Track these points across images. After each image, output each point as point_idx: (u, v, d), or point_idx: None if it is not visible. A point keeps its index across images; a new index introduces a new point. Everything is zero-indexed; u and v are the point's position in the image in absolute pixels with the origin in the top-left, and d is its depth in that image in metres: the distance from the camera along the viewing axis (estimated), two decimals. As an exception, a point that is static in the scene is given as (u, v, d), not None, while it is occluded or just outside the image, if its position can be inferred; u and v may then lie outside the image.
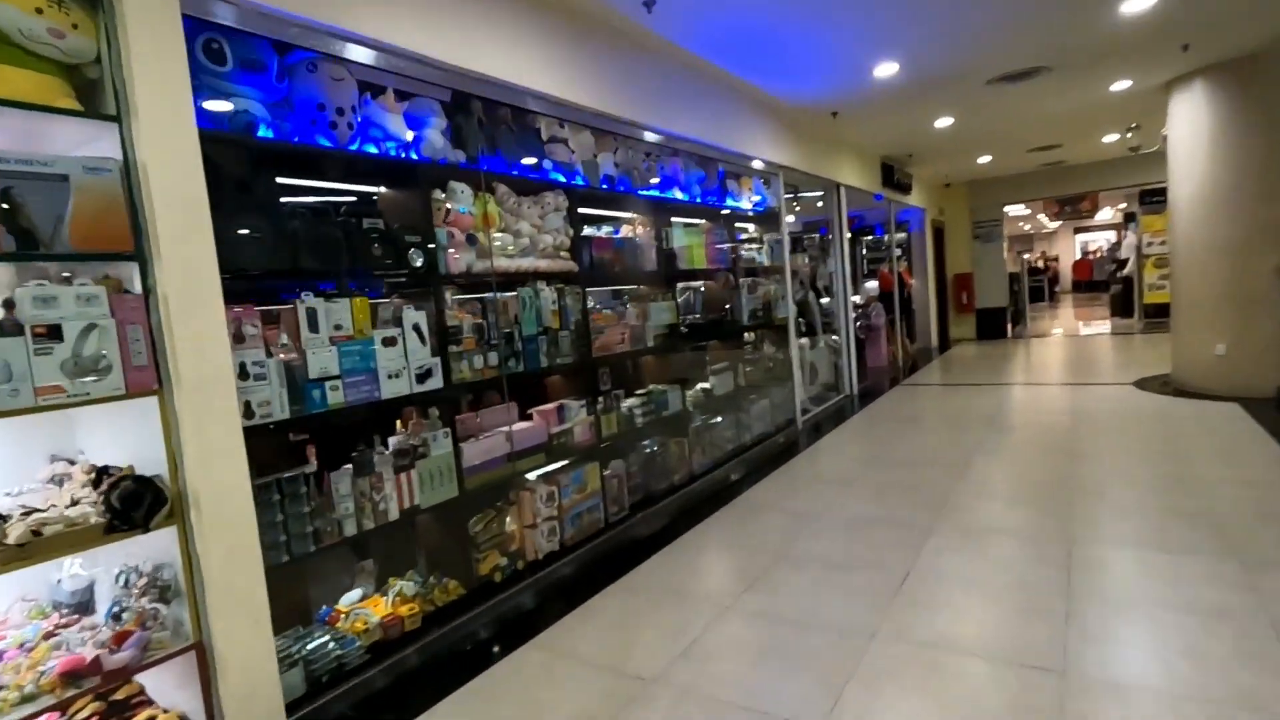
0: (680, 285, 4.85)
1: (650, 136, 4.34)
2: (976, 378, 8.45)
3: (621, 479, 3.97)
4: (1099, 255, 24.18)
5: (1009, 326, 12.61)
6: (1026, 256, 13.65)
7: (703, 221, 5.22)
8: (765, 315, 5.79)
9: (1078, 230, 26.03)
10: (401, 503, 2.71)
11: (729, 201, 5.31)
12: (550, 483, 3.46)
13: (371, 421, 2.76)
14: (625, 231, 4.37)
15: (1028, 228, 26.63)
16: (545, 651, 2.69)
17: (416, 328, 2.74)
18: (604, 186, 3.92)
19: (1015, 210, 19.20)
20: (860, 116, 6.71)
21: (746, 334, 5.84)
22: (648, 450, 4.25)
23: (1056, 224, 24.29)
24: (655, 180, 4.41)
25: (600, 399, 3.86)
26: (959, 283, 12.67)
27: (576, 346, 3.62)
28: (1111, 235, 25.17)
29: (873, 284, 10.64)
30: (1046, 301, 20.52)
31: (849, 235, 12.89)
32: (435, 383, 2.81)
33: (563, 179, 3.64)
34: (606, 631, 2.81)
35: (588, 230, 3.93)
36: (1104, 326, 13.09)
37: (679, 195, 4.62)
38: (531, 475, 3.44)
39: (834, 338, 8.06)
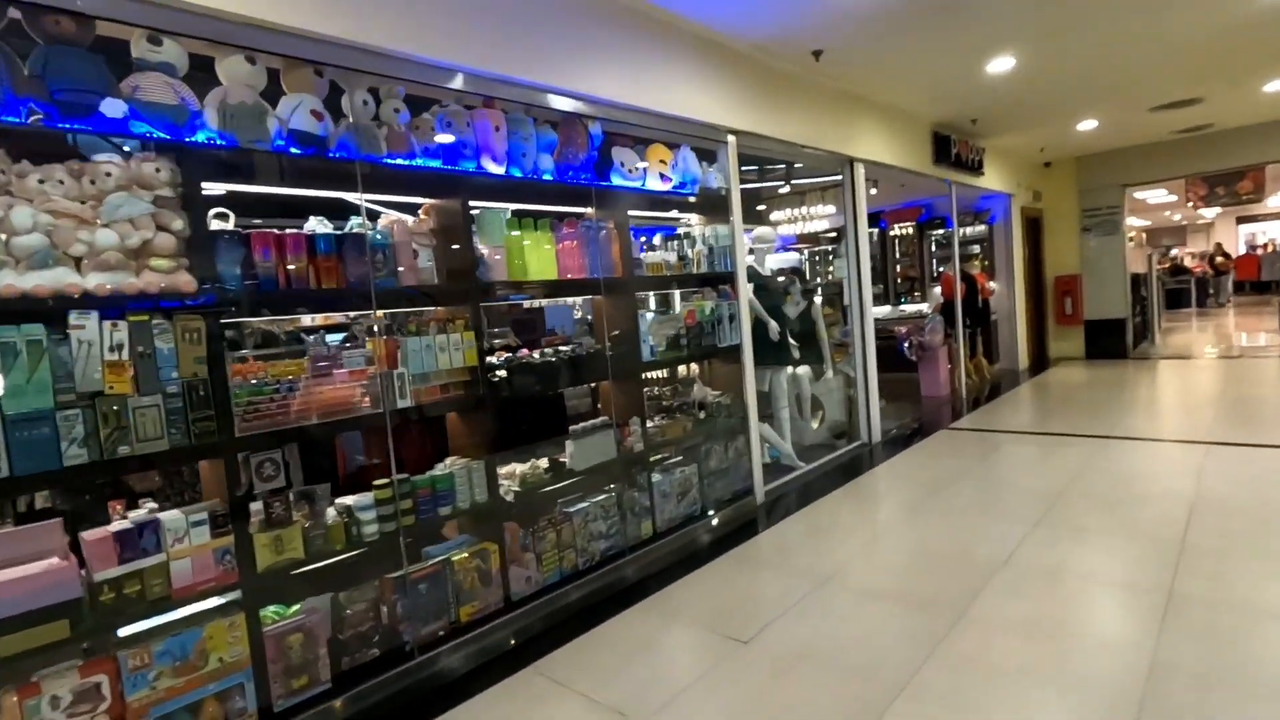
0: (517, 304, 3.21)
1: (457, 84, 2.75)
2: (1065, 421, 6.14)
3: (315, 633, 2.41)
4: (1271, 249, 19.77)
5: (1130, 342, 9.83)
6: (1152, 253, 10.73)
7: (565, 209, 3.54)
8: (695, 344, 4.01)
9: (1241, 220, 21.51)
10: None
11: (616, 180, 3.59)
12: (93, 669, 1.96)
13: None
14: (389, 223, 2.78)
15: (1177, 217, 22.30)
16: None
17: None
18: (282, 146, 2.37)
19: (1156, 196, 15.74)
20: (859, 56, 4.73)
21: (654, 371, 4.09)
22: (398, 576, 2.66)
23: (1213, 212, 20.07)
24: (442, 140, 2.81)
25: (268, 501, 2.32)
26: (1061, 287, 10.03)
27: (195, 420, 2.11)
28: (1288, 225, 20.58)
29: (940, 290, 8.41)
30: (1194, 307, 16.78)
31: (909, 228, 10.54)
32: None
33: (165, 134, 2.13)
34: None
35: (224, 224, 2.42)
36: (1273, 335, 9.97)
37: (493, 168, 2.98)
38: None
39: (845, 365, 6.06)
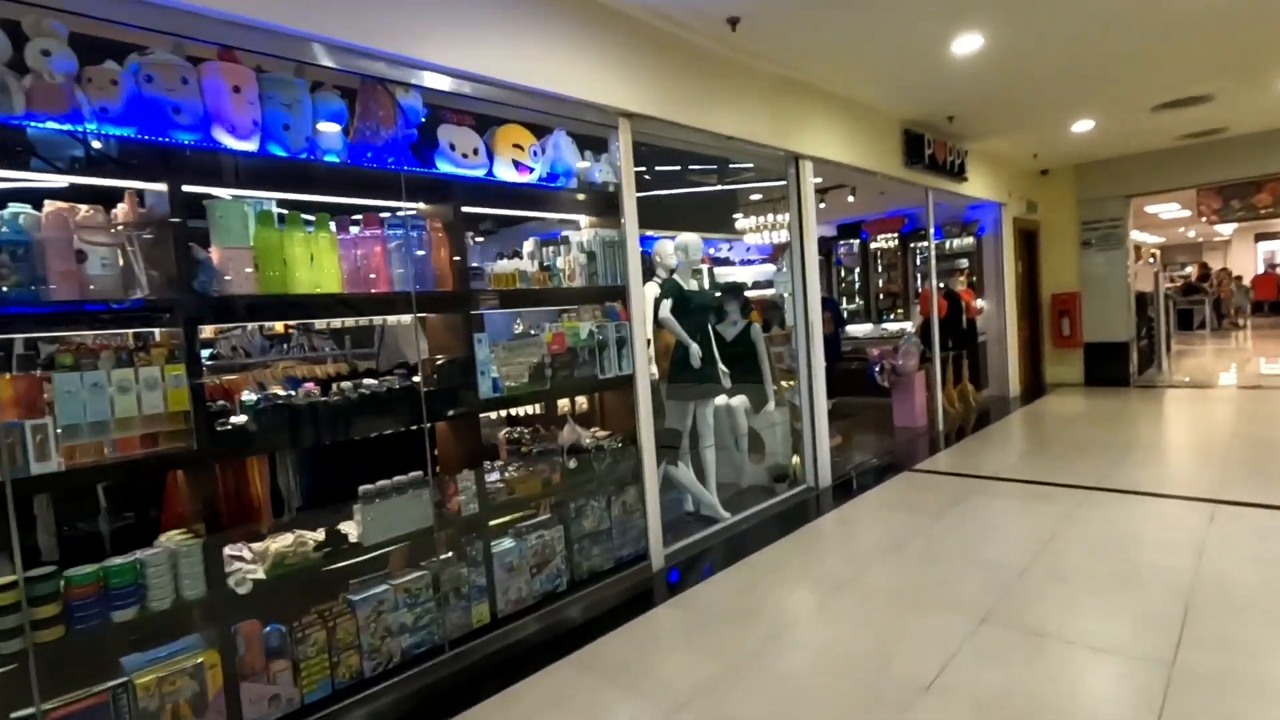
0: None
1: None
2: (1050, 463, 5.27)
3: None
4: (1291, 268, 18.77)
5: (1134, 369, 8.93)
6: (1159, 270, 9.83)
7: (373, 203, 2.76)
8: (564, 375, 3.21)
9: (1260, 237, 20.51)
10: None
11: (444, 166, 2.81)
12: None
13: None
14: None
15: (1192, 234, 21.30)
16: None
17: None
18: None
19: (1169, 211, 14.82)
20: (789, 30, 3.93)
21: (505, 410, 3.30)
22: None
23: (1229, 228, 19.08)
24: (109, 101, 2.03)
25: None
26: (1058, 306, 9.15)
27: None
28: (1310, 243, 19.59)
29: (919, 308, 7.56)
30: (1208, 329, 15.80)
31: (892, 239, 9.59)
32: None
33: None
34: None
35: None
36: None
37: (230, 142, 2.21)
38: None
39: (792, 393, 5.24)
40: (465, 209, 2.95)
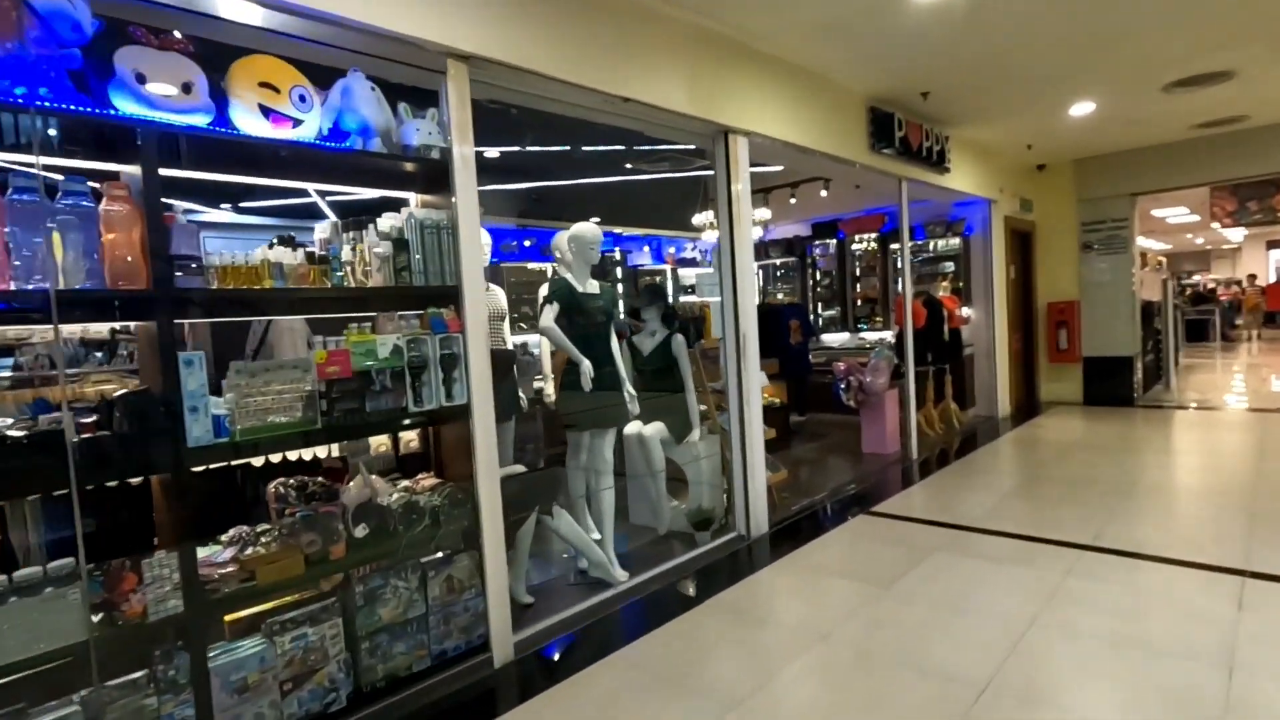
0: None
1: None
2: (1035, 508, 4.35)
3: None
4: (1305, 278, 17.81)
5: (1139, 386, 8.00)
6: (1168, 277, 8.93)
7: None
8: (351, 409, 2.31)
9: (1273, 244, 19.56)
10: None
11: (126, 105, 1.92)
12: None
13: None
14: None
15: (1200, 241, 20.32)
16: None
17: None
18: None
19: (1176, 215, 13.89)
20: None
21: (247, 459, 2.40)
22: None
23: (1239, 235, 18.13)
24: None
25: None
26: (1055, 316, 8.23)
27: None
28: (1325, 251, 18.63)
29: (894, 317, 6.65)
30: (1219, 340, 14.85)
31: (872, 240, 8.56)
32: None
33: None
34: None
35: None
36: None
37: None
38: None
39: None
40: (175, 172, 2.06)
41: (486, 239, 3.57)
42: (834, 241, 8.83)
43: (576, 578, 3.53)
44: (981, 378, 7.68)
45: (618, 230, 8.29)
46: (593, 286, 3.68)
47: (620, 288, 7.83)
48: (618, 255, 8.72)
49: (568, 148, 5.67)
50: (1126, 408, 7.71)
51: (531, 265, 7.67)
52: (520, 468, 3.29)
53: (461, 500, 2.67)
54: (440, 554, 2.62)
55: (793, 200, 8.35)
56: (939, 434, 6.82)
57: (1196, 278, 20.45)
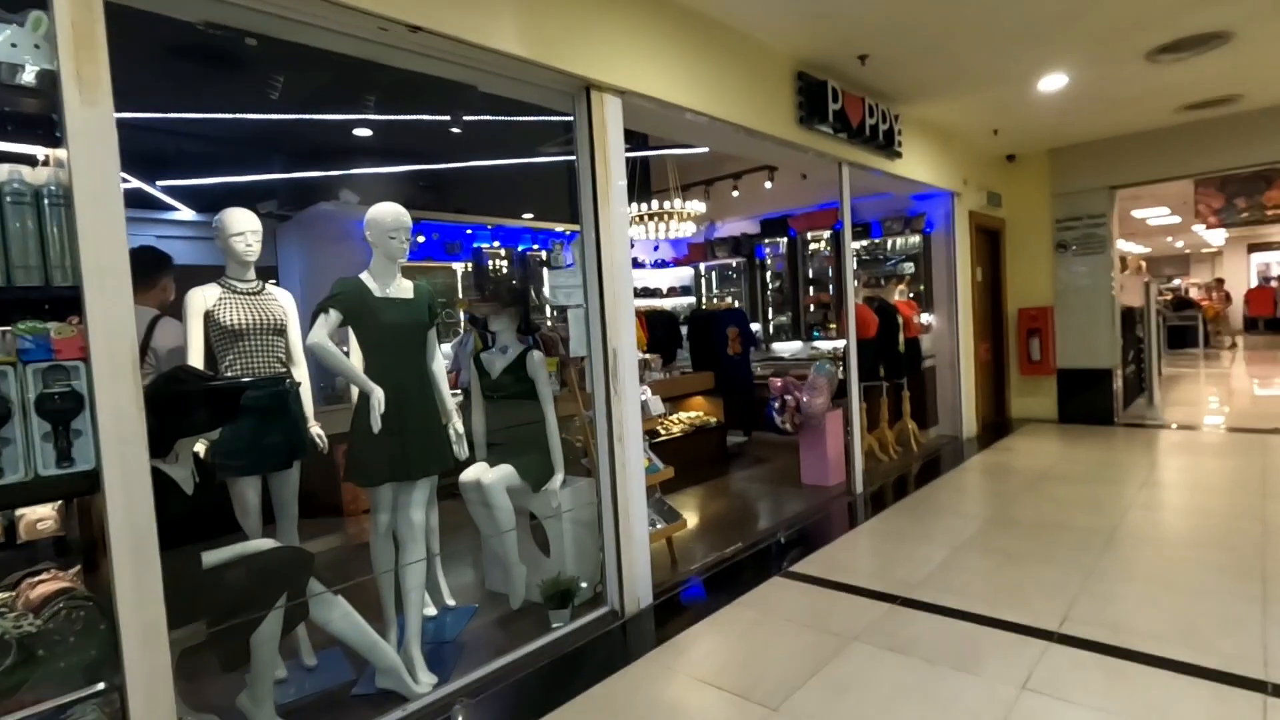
0: None
1: None
2: (996, 569, 3.46)
3: None
4: (1289, 282, 17.29)
5: (1119, 401, 7.19)
6: (1150, 280, 8.16)
7: None
8: None
9: (1254, 248, 19.01)
10: None
11: None
12: None
13: None
14: None
15: (1179, 244, 19.73)
16: None
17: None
18: None
19: (1157, 216, 13.20)
20: None
21: None
22: None
23: (1220, 238, 17.54)
24: None
25: None
26: (1028, 323, 7.40)
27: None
28: (1308, 255, 18.14)
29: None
30: (1201, 347, 14.18)
31: (788, 240, 7.57)
32: None
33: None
34: None
35: None
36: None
37: None
38: None
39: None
40: None
41: (250, 221, 2.64)
42: (785, 240, 7.95)
43: (366, 686, 2.59)
44: (945, 393, 6.83)
45: (508, 223, 7.35)
46: (400, 289, 2.74)
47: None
48: (543, 255, 7.80)
49: (445, 118, 4.72)
50: (1106, 426, 6.89)
51: (435, 264, 6.73)
52: (266, 543, 2.34)
53: (88, 617, 1.72)
54: (39, 708, 1.66)
55: (735, 193, 7.47)
56: (895, 459, 5.95)
57: (1177, 281, 19.91)
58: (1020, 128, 6.31)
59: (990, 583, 3.28)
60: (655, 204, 6.48)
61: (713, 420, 6.44)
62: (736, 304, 7.84)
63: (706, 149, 5.86)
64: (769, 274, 8.15)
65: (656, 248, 8.70)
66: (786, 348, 8.01)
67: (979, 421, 6.97)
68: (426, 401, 2.75)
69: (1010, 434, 6.83)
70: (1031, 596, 3.09)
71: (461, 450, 2.88)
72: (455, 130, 4.51)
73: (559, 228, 7.23)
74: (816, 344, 7.69)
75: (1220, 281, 17.65)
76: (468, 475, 3.12)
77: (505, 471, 3.11)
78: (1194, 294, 16.06)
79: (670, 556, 3.81)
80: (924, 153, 5.82)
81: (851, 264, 5.14)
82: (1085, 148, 6.99)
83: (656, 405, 3.67)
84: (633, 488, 3.18)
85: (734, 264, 8.32)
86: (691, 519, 4.63)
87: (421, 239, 6.26)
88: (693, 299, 8.89)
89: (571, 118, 3.09)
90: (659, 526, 3.61)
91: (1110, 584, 3.18)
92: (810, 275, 7.86)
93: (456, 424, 2.88)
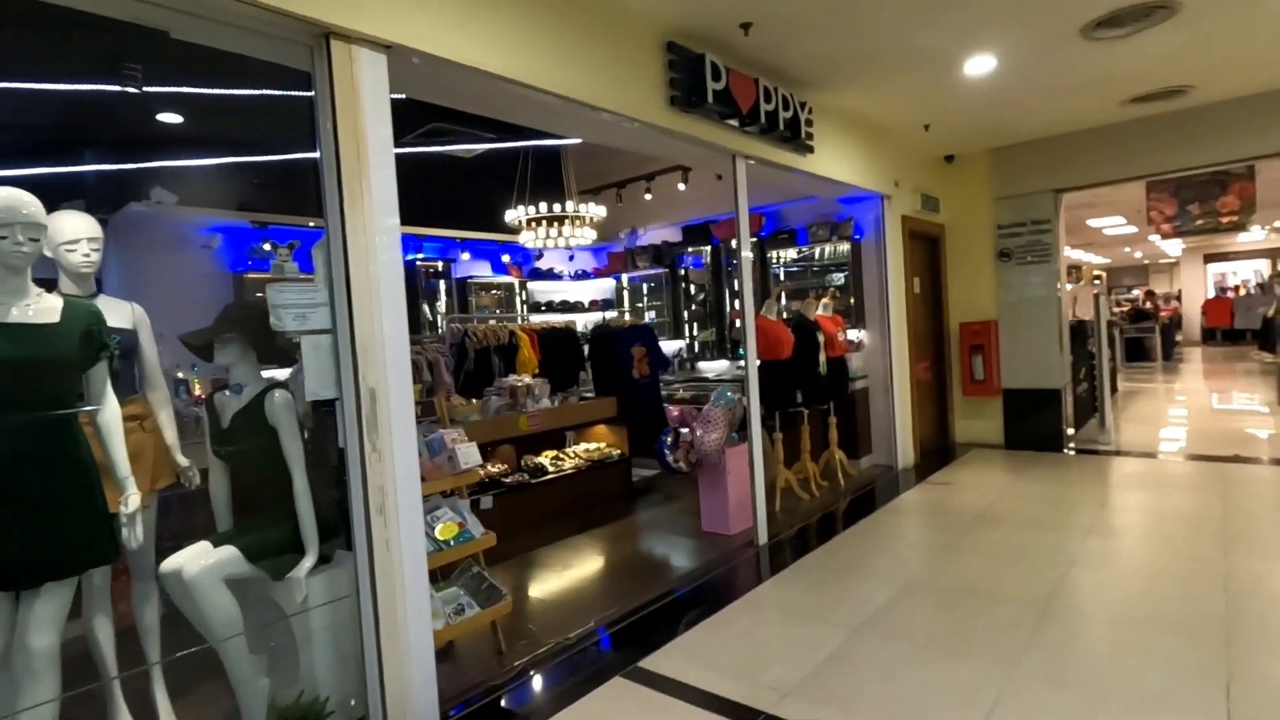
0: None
1: None
2: (904, 667, 2.70)
3: None
4: (1245, 292, 17.10)
5: (1069, 424, 6.56)
6: (1100, 292, 7.57)
7: None
8: None
9: (1210, 258, 18.86)
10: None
11: None
12: None
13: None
14: None
15: (1138, 254, 19.52)
16: None
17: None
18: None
19: (1113, 226, 12.78)
20: None
21: None
22: None
23: (1177, 248, 17.31)
24: None
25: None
26: (970, 339, 6.76)
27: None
28: (1263, 266, 18.02)
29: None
30: (1159, 360, 13.79)
31: (711, 248, 6.69)
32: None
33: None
34: None
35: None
36: (1266, 418, 6.74)
37: None
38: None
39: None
40: None
41: (86, 226, 1.97)
42: (709, 248, 7.23)
43: None
44: (878, 418, 6.13)
45: (429, 232, 6.52)
46: (36, 311, 1.92)
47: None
48: (440, 266, 6.98)
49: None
50: (1054, 453, 6.24)
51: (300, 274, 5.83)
52: None
53: None
54: None
55: (648, 195, 6.73)
56: (817, 496, 5.21)
57: (1135, 292, 19.70)
58: (955, 123, 5.66)
59: (886, 687, 2.52)
60: (545, 207, 5.69)
61: (616, 452, 5.66)
62: (650, 319, 7.09)
63: (577, 139, 5.09)
64: (692, 286, 7.42)
65: (572, 257, 7.92)
66: (712, 367, 7.27)
67: (917, 448, 6.28)
68: (67, 471, 1.93)
69: (951, 463, 6.14)
70: (933, 708, 2.34)
71: (133, 537, 2.05)
72: (133, 90, 3.63)
73: (313, 223, 5.55)
74: (741, 362, 6.96)
75: (1152, 294, 17.27)
76: (168, 565, 2.27)
77: (223, 557, 2.28)
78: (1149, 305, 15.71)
79: (498, 645, 3.00)
80: (844, 149, 5.14)
81: (750, 276, 4.40)
82: (1028, 147, 6.39)
83: (470, 456, 2.86)
84: (406, 575, 2.36)
85: (655, 275, 7.58)
86: (553, 583, 3.83)
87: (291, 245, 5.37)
88: (616, 314, 8.13)
89: (312, 84, 2.29)
90: (469, 613, 2.79)
91: (1037, 689, 2.44)
92: (736, 287, 7.14)
93: (130, 500, 2.06)
